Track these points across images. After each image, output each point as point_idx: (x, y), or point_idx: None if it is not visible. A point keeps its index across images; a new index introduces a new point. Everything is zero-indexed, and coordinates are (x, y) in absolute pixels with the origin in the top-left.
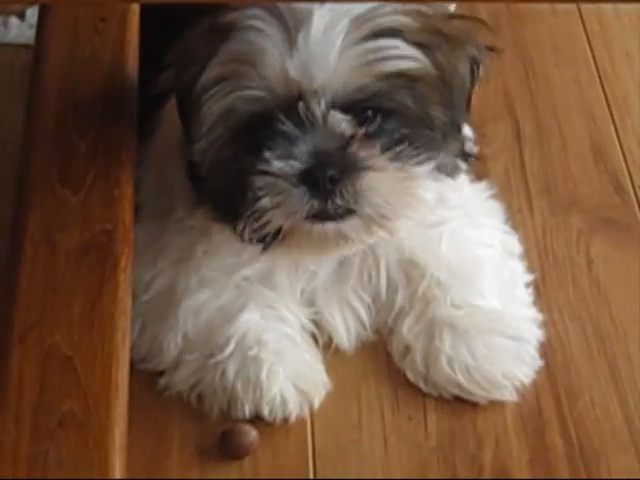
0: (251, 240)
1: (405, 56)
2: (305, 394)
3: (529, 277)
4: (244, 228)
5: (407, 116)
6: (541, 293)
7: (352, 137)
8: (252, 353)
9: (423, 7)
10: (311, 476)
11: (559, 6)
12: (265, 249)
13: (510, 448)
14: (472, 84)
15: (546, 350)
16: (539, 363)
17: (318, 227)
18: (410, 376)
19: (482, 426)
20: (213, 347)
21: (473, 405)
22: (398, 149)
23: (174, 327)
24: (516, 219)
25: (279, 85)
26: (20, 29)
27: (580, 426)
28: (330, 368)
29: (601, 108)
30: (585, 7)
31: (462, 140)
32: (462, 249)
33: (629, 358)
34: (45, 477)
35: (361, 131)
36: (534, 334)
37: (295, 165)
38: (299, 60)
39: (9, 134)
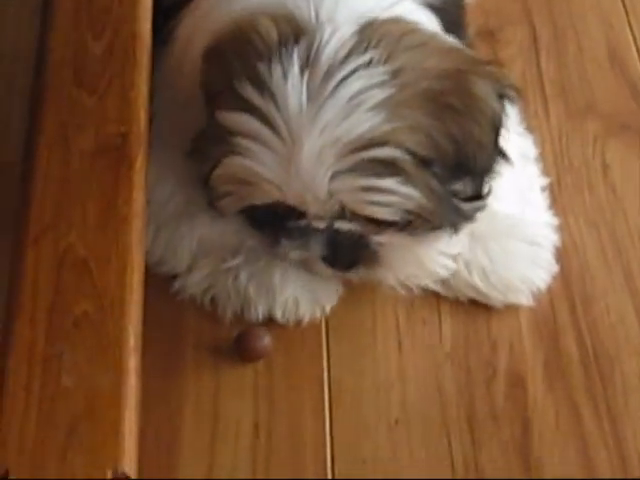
0: None
1: (393, 203)
2: (317, 298)
3: (545, 181)
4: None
5: (404, 222)
6: (556, 198)
7: (363, 234)
8: (263, 261)
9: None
10: (325, 378)
11: None
12: None
13: (524, 353)
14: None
15: (561, 255)
16: (555, 268)
17: (325, 269)
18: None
19: (496, 331)
20: (226, 253)
21: (488, 309)
22: (410, 229)
23: (189, 233)
24: (532, 123)
25: (284, 201)
26: None
27: (594, 331)
28: None
29: (618, 14)
30: None
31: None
32: None
33: None
34: (60, 377)
35: (372, 229)
36: (550, 239)
37: (312, 255)
38: (295, 190)
39: (27, 38)
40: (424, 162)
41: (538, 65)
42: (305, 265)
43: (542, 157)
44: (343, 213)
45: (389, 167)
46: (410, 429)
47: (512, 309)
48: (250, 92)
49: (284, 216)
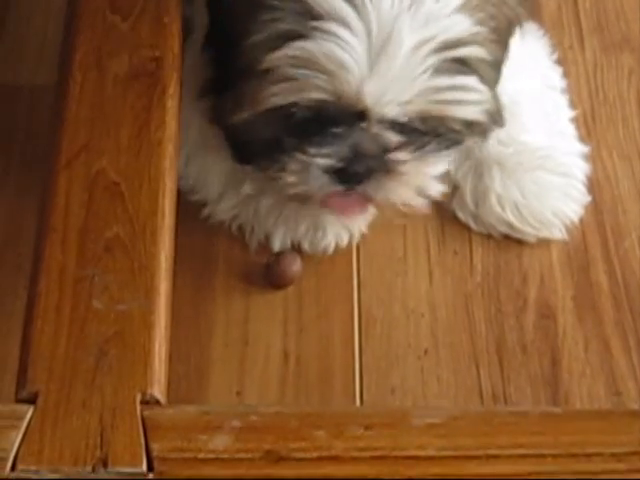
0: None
1: (478, 102)
2: (345, 224)
3: (573, 112)
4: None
5: (449, 137)
6: (590, 131)
7: (391, 148)
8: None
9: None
10: (355, 306)
11: None
12: None
13: (555, 284)
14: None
15: (594, 188)
16: (587, 199)
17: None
18: (459, 215)
19: (527, 262)
20: (246, 184)
21: (519, 241)
22: (426, 147)
23: (217, 162)
24: (567, 56)
25: (348, 99)
26: None
27: (626, 264)
28: None
29: None
30: None
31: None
32: (503, 88)
33: None
34: (90, 300)
35: (402, 141)
36: (582, 169)
37: (334, 164)
38: (377, 86)
39: None
40: (494, 64)
41: None
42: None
43: (577, 90)
44: (402, 121)
45: (471, 67)
46: (439, 359)
47: (544, 241)
48: None
49: (325, 118)
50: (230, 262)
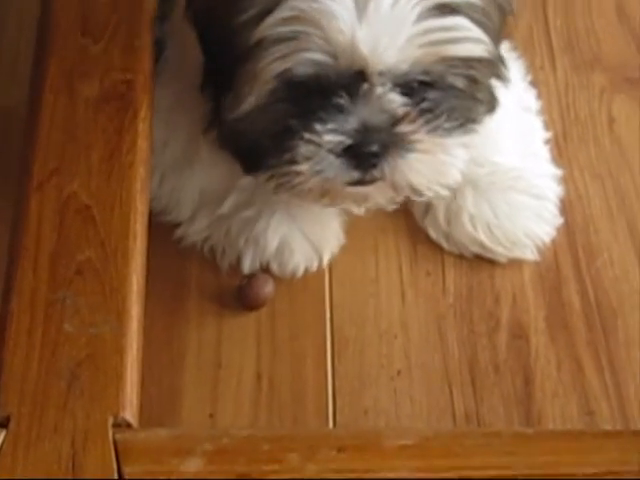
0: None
1: (471, 39)
2: (314, 246)
3: (548, 133)
4: (268, 179)
5: (455, 92)
6: (562, 151)
7: (402, 118)
8: (254, 208)
9: None
10: (328, 327)
11: None
12: (278, 193)
13: (527, 304)
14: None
15: (566, 208)
16: (559, 221)
17: (349, 190)
18: (432, 234)
19: (500, 283)
20: (221, 203)
21: (491, 262)
22: (439, 122)
23: (190, 183)
24: (538, 76)
25: (345, 55)
26: None
27: (598, 284)
28: (349, 222)
29: None
30: None
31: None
32: None
33: None
34: (62, 323)
35: (412, 112)
36: (554, 191)
37: (344, 140)
38: (369, 32)
39: None
40: (486, 12)
41: (545, 17)
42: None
43: (548, 110)
44: (405, 75)
45: (459, 10)
46: (412, 380)
47: (516, 262)
48: None
49: (327, 88)
50: (202, 284)
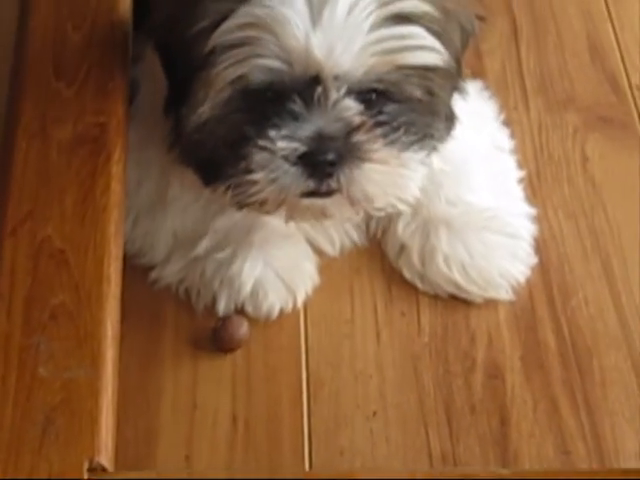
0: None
1: (427, 47)
2: (288, 287)
3: (521, 173)
4: (225, 191)
5: (412, 103)
6: (536, 190)
7: (358, 126)
8: (229, 250)
9: None
10: (304, 368)
11: None
12: (239, 209)
13: (502, 344)
14: (462, 54)
15: (540, 247)
16: (534, 260)
17: (305, 201)
18: (406, 274)
19: (475, 323)
20: (195, 245)
21: (466, 302)
22: (396, 135)
23: (163, 225)
24: (512, 116)
25: (299, 61)
26: None
27: (573, 323)
28: (323, 263)
29: (598, 5)
30: None
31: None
32: (451, 149)
33: (623, 257)
34: (36, 368)
35: (368, 121)
36: (529, 230)
37: (299, 147)
38: (324, 38)
39: (6, 31)
40: (443, 23)
41: (518, 57)
42: (279, 191)
43: (522, 150)
44: (360, 82)
45: (414, 20)
46: (388, 420)
47: (491, 301)
48: None
49: (281, 94)
50: (178, 326)
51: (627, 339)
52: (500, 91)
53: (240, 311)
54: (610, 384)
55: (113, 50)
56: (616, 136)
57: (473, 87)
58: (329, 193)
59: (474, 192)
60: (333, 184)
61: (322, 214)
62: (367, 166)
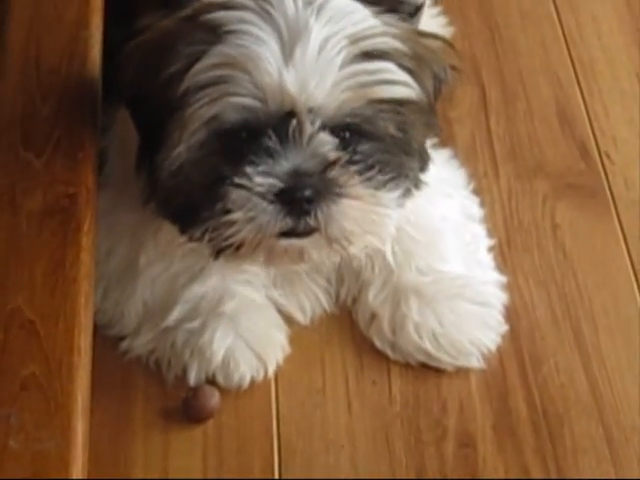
0: (205, 245)
1: (398, 81)
2: (260, 357)
3: (491, 241)
4: (202, 235)
5: (385, 141)
6: (506, 258)
7: (333, 162)
8: (199, 320)
9: (408, 28)
10: (275, 439)
11: None
12: (216, 257)
13: (474, 413)
14: (435, 100)
15: (511, 315)
16: (504, 328)
17: (283, 242)
18: (377, 343)
19: (446, 391)
20: (166, 316)
21: (437, 370)
22: (371, 174)
23: (133, 296)
24: (482, 184)
25: (273, 97)
26: None
27: (544, 391)
28: (294, 333)
29: (567, 73)
30: None
31: (427, 158)
32: (422, 217)
33: (594, 324)
34: (7, 440)
35: (343, 157)
36: (499, 298)
37: (275, 184)
38: (296, 74)
39: None
40: (414, 60)
41: (487, 125)
42: (254, 228)
43: (492, 217)
44: (334, 117)
45: (385, 56)
46: None
47: (462, 370)
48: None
49: (256, 131)
50: (148, 397)
51: (598, 406)
52: (469, 159)
53: (211, 381)
54: (582, 451)
55: (82, 120)
56: (586, 203)
57: (442, 155)
58: (307, 232)
59: (445, 261)
60: (311, 222)
61: (300, 257)
62: (344, 202)
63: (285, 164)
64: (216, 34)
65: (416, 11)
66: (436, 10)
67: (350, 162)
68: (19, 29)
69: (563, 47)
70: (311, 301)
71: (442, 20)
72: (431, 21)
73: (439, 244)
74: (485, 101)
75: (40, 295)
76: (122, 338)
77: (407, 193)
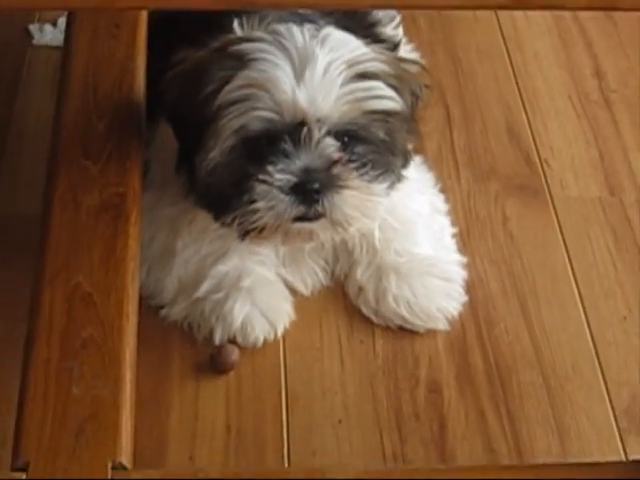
0: (234, 228)
1: (386, 96)
2: (270, 322)
3: (454, 229)
4: (232, 221)
5: (376, 144)
6: (466, 243)
7: (336, 161)
8: (223, 293)
9: (390, 55)
10: (283, 387)
11: (480, 13)
12: (243, 239)
13: (440, 365)
14: (413, 112)
15: (469, 288)
16: (464, 298)
17: (297, 226)
18: (363, 311)
19: (418, 348)
20: (196, 290)
21: (411, 332)
22: (365, 170)
23: (170, 273)
24: (446, 184)
25: (288, 110)
26: (53, 34)
27: (496, 348)
28: (298, 303)
29: (515, 98)
30: (502, 14)
31: (409, 157)
32: (400, 210)
33: (536, 295)
34: (70, 388)
35: (344, 156)
36: (460, 275)
37: (291, 179)
38: (307, 92)
39: (45, 120)
40: (399, 79)
41: (451, 138)
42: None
43: (454, 211)
44: (337, 124)
45: (375, 77)
46: (350, 427)
47: (431, 332)
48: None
49: (275, 138)
50: (183, 353)
51: (539, 360)
52: (437, 165)
53: (232, 341)
54: (526, 396)
55: (130, 135)
56: (530, 200)
57: (415, 162)
58: (316, 217)
59: (417, 245)
60: (319, 208)
61: (310, 237)
62: (345, 192)
63: (298, 163)
64: (242, 61)
65: (394, 47)
66: (410, 47)
67: (349, 161)
68: (80, 63)
69: (512, 77)
70: (312, 277)
71: (415, 55)
72: (407, 55)
73: (413, 232)
74: (449, 119)
75: (96, 273)
76: (162, 307)
77: (392, 185)
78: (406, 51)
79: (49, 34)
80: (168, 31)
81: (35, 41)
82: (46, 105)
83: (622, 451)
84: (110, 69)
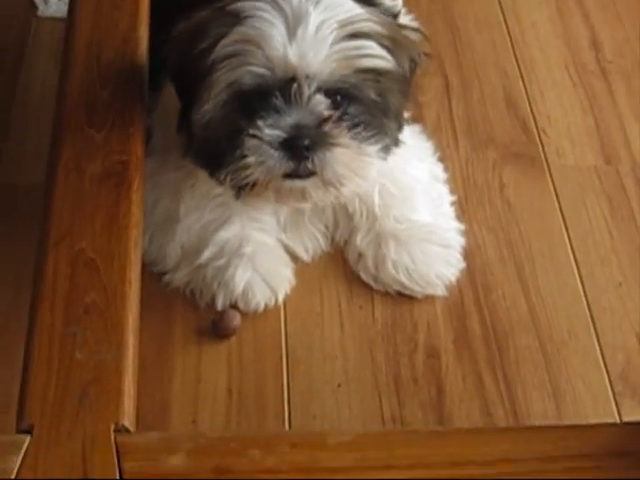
0: (228, 185)
1: (377, 55)
2: (271, 288)
3: (453, 197)
4: (225, 176)
5: (369, 104)
6: (464, 210)
7: (327, 118)
8: (225, 259)
9: (387, 18)
10: (284, 351)
11: None
12: (237, 196)
13: (438, 330)
14: (411, 77)
15: (467, 255)
16: (462, 265)
17: (287, 183)
18: (363, 277)
19: (417, 314)
20: (199, 256)
21: (410, 297)
22: (358, 130)
23: (173, 240)
24: (445, 153)
25: (279, 66)
26: (58, 5)
27: (493, 313)
28: (298, 269)
29: (512, 68)
30: None
31: (403, 121)
32: (399, 177)
33: (532, 262)
34: (74, 353)
35: (335, 114)
36: (459, 242)
37: (280, 134)
38: (298, 49)
39: (50, 90)
40: (392, 40)
41: (450, 107)
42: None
43: (453, 179)
44: (327, 81)
45: (367, 37)
46: (350, 391)
47: (429, 297)
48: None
49: (266, 93)
50: (185, 318)
51: (535, 325)
52: (435, 134)
53: (234, 306)
54: (522, 361)
55: (132, 103)
56: (526, 168)
57: (415, 130)
58: (307, 175)
59: (417, 212)
60: (310, 165)
61: (303, 196)
62: (336, 150)
63: (288, 119)
64: (238, 18)
65: (394, 17)
66: (409, 17)
67: (341, 119)
68: (83, 33)
69: (509, 47)
70: (312, 243)
71: (415, 24)
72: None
73: (412, 199)
74: (448, 88)
75: (99, 239)
76: (164, 273)
77: (387, 148)
78: (406, 21)
79: (54, 6)
80: (170, 2)
81: (40, 12)
82: (50, 76)
83: (617, 414)
84: (113, 39)
